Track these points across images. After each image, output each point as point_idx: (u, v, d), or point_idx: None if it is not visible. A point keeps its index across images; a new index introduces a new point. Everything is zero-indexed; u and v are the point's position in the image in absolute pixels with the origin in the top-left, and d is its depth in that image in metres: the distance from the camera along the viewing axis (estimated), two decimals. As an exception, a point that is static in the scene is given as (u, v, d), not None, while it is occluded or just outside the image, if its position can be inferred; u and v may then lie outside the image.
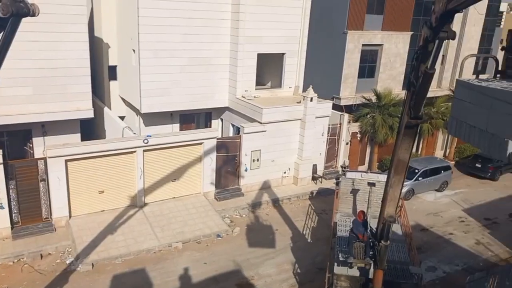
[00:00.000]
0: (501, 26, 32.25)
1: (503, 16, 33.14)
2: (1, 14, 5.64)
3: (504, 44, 7.60)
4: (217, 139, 19.44)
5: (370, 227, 11.76)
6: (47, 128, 18.79)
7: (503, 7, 32.32)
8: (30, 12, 5.88)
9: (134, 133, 19.53)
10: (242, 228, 18.17)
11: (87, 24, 18.36)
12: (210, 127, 23.01)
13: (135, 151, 17.50)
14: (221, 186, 20.15)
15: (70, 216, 16.78)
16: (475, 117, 6.15)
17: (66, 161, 16.13)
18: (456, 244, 18.25)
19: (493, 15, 30.28)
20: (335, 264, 11.95)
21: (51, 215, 16.41)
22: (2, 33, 6.07)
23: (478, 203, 22.53)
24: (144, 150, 17.66)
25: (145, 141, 17.52)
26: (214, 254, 16.13)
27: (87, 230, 16.37)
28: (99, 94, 22.51)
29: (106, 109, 21.66)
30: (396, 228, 15.81)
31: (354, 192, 17.39)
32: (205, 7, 19.91)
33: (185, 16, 19.54)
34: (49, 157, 15.79)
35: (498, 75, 7.71)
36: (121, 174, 17.62)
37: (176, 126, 22.40)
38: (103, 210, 17.53)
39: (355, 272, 11.65)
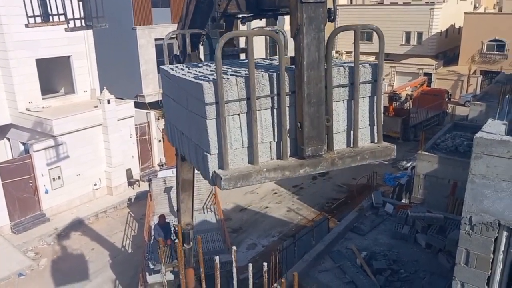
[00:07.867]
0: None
1: None
2: None
3: None
4: (-1, 164, 16.58)
5: (174, 226, 11.46)
6: None
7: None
8: None
9: None
10: (50, 259, 16.01)
11: None
12: (-6, 150, 19.59)
13: None
14: (17, 217, 17.33)
15: None
16: (179, 119, 4.37)
17: None
18: (272, 216, 19.61)
19: None
20: (147, 274, 11.35)
21: None
22: None
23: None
24: None
25: None
26: (16, 298, 13.84)
27: None
28: None
29: None
30: (210, 217, 16.09)
31: (168, 190, 17.03)
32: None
33: None
34: None
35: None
36: None
37: None
38: None
39: (169, 277, 11.25)
